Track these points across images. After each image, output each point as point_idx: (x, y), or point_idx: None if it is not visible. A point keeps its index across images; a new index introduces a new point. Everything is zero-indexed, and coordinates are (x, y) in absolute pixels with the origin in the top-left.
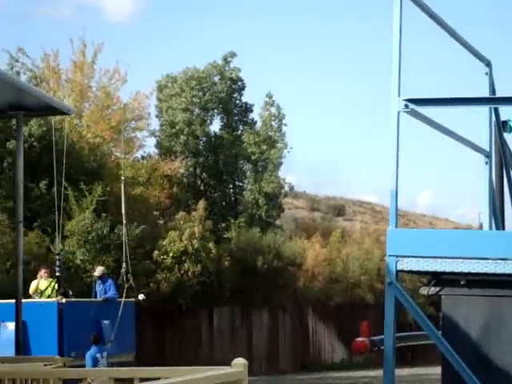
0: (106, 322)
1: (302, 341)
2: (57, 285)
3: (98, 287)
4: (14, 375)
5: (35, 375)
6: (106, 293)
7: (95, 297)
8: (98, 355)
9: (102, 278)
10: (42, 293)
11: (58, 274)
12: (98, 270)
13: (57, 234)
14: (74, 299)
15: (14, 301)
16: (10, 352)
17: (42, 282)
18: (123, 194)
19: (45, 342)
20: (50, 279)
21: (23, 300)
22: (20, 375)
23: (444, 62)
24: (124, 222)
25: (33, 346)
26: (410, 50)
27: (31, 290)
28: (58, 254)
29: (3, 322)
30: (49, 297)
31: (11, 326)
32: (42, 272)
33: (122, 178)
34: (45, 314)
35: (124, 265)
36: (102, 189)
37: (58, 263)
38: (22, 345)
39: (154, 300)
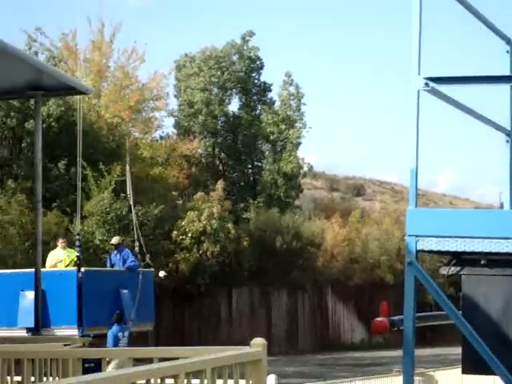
0: (125, 291)
1: (322, 321)
2: (77, 265)
3: (115, 257)
4: (33, 355)
5: (54, 355)
6: (124, 262)
7: (111, 267)
8: (120, 334)
9: (118, 247)
10: (60, 262)
11: (77, 254)
12: (115, 239)
13: (77, 215)
14: (93, 268)
15: (33, 270)
16: (29, 321)
17: (60, 252)
18: (128, 178)
19: (64, 311)
20: (69, 249)
21: (42, 269)
22: (39, 355)
23: (464, 40)
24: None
25: (52, 315)
26: (431, 28)
27: (49, 264)
28: (78, 235)
29: (22, 291)
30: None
31: (30, 295)
32: (60, 242)
33: (127, 160)
34: (64, 283)
35: (137, 243)
36: (121, 169)
37: (77, 243)
38: (41, 314)
39: (172, 280)
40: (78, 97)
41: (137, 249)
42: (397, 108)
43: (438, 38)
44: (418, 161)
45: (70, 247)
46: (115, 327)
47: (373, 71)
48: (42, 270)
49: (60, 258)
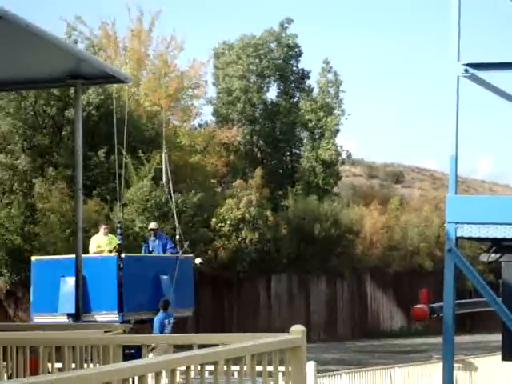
0: (164, 277)
1: (361, 308)
2: (118, 251)
3: (153, 243)
4: (74, 342)
5: (95, 342)
6: (164, 248)
7: (149, 253)
8: (166, 321)
9: (156, 232)
10: (102, 248)
11: (119, 242)
12: (153, 224)
13: (118, 202)
14: (133, 254)
15: (74, 256)
16: (70, 307)
17: (102, 238)
18: (165, 166)
19: (104, 296)
20: (111, 235)
21: (83, 255)
22: (80, 342)
23: (504, 26)
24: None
25: (92, 300)
26: (470, 15)
27: (92, 250)
28: (119, 222)
29: (63, 276)
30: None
31: (71, 280)
32: (103, 227)
33: (164, 150)
34: (105, 269)
35: (178, 231)
36: (160, 157)
37: (118, 231)
38: (82, 300)
39: (212, 267)
40: (118, 85)
41: (177, 237)
42: (436, 94)
43: (478, 24)
44: (458, 147)
45: (112, 234)
46: (161, 314)
47: (412, 57)
48: (83, 255)
49: (102, 244)
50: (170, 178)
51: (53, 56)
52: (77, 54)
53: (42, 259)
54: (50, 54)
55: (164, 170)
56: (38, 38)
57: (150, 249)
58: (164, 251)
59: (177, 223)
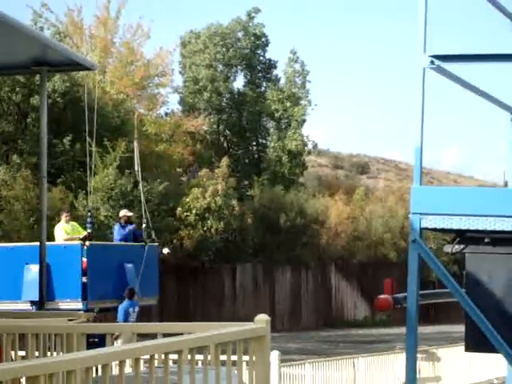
0: (129, 265)
1: (325, 298)
2: (83, 239)
3: (124, 231)
4: (37, 330)
5: (58, 330)
6: (134, 236)
7: (123, 240)
8: (130, 309)
9: (129, 221)
10: (68, 235)
11: (89, 231)
12: (123, 212)
13: (88, 191)
14: (98, 242)
15: (37, 243)
16: (34, 294)
17: (64, 226)
18: (136, 153)
19: (68, 284)
20: (72, 222)
21: (47, 243)
22: (43, 330)
23: (470, 18)
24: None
25: (56, 288)
26: (437, 6)
27: (63, 236)
28: (89, 211)
29: (27, 264)
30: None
31: (35, 268)
32: (64, 215)
33: (135, 135)
34: (69, 256)
35: (145, 221)
36: (126, 145)
37: (89, 220)
38: (46, 287)
39: (177, 256)
40: (84, 72)
41: (144, 225)
42: (402, 86)
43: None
44: (423, 138)
45: (74, 221)
46: (126, 302)
47: (378, 49)
48: (47, 243)
49: (69, 231)
50: (138, 167)
51: (18, 42)
52: (42, 40)
53: (5, 246)
54: (15, 41)
55: (136, 157)
56: (2, 24)
57: (123, 236)
58: (135, 238)
59: (144, 210)
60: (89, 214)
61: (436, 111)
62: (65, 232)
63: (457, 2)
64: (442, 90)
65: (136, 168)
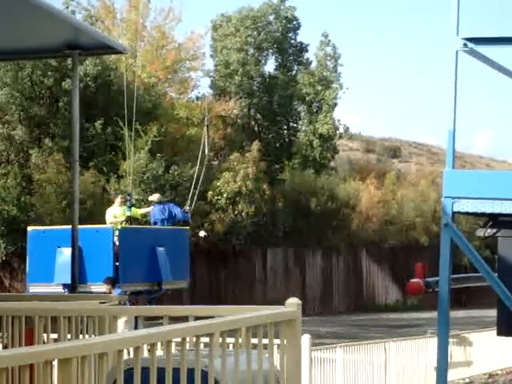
0: (161, 248)
1: (356, 282)
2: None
3: (160, 211)
4: (70, 313)
5: (90, 313)
6: (170, 213)
7: (154, 224)
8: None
9: (160, 203)
10: (117, 219)
11: (128, 214)
12: (156, 196)
13: (127, 172)
14: (129, 226)
15: (70, 227)
16: (66, 277)
17: (116, 209)
18: (205, 139)
19: (100, 267)
20: (124, 207)
21: (79, 226)
22: (75, 313)
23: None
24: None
25: (88, 271)
26: None
27: (110, 219)
28: (129, 195)
29: (59, 247)
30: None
31: (67, 251)
32: (119, 198)
33: (206, 121)
34: (101, 240)
35: (189, 202)
36: (157, 129)
37: (128, 204)
38: (78, 271)
39: (208, 240)
40: (115, 56)
41: (187, 207)
42: (435, 69)
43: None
44: (456, 122)
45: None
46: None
47: (411, 32)
48: (79, 226)
49: (118, 214)
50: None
51: (50, 26)
52: (74, 24)
53: (38, 229)
54: (47, 25)
55: (205, 143)
56: (35, 7)
57: (160, 216)
58: (170, 216)
59: (194, 195)
60: (128, 197)
61: (469, 95)
62: (113, 216)
63: None
64: (475, 73)
65: (206, 152)
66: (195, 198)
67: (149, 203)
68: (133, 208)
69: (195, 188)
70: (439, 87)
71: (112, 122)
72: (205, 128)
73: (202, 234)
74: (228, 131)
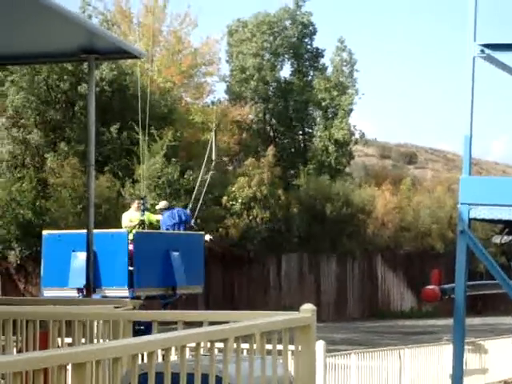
0: (175, 253)
1: (371, 288)
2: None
3: (169, 217)
4: (84, 317)
5: (105, 317)
6: (180, 218)
7: (171, 226)
8: None
9: (168, 209)
10: (133, 223)
11: (142, 219)
12: (163, 204)
13: (142, 176)
14: (144, 230)
15: (84, 231)
16: (80, 282)
17: (133, 214)
18: (213, 143)
19: (115, 272)
20: (141, 212)
21: (94, 230)
22: (90, 317)
23: None
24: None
25: (103, 276)
26: None
27: (124, 225)
28: (142, 199)
29: (74, 251)
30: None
31: (82, 255)
32: (136, 203)
33: (214, 126)
34: (115, 244)
35: (190, 205)
36: (172, 134)
37: (142, 208)
38: (92, 275)
39: (222, 245)
40: (131, 61)
41: (188, 211)
42: (452, 75)
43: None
44: (473, 129)
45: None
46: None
47: (428, 37)
48: (94, 231)
49: (134, 219)
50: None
51: (66, 30)
52: (90, 28)
53: (53, 233)
54: (63, 29)
55: (213, 147)
56: (51, 11)
57: (170, 222)
58: (181, 221)
59: (197, 199)
60: (141, 201)
61: (485, 101)
62: (129, 220)
63: None
64: (491, 79)
65: (214, 156)
66: (200, 202)
67: (157, 212)
68: (146, 212)
69: (199, 193)
70: (456, 93)
71: (128, 127)
72: (212, 133)
73: (207, 237)
74: (243, 136)
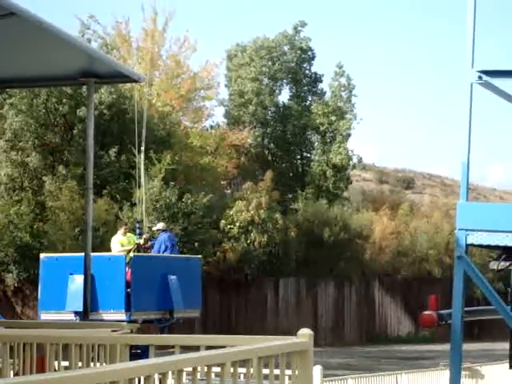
0: (173, 277)
1: (368, 313)
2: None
3: (169, 239)
4: (81, 340)
5: (102, 341)
6: (173, 246)
7: (168, 248)
8: None
9: (165, 231)
10: (123, 247)
11: (138, 242)
12: (161, 225)
13: (138, 200)
14: (141, 254)
15: (82, 254)
16: (78, 305)
17: (121, 238)
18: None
19: (112, 295)
20: (129, 234)
21: (92, 253)
22: (87, 340)
23: None
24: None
25: (100, 299)
26: (485, 22)
27: (118, 248)
28: (138, 222)
29: (72, 274)
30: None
31: (79, 278)
32: (123, 228)
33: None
34: (113, 267)
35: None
36: (171, 157)
37: (138, 231)
38: (89, 298)
39: (220, 269)
40: (130, 85)
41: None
42: (449, 100)
43: (493, 31)
44: (470, 154)
45: (130, 233)
46: None
47: (426, 63)
48: (92, 254)
49: (124, 243)
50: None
51: (66, 54)
52: (90, 52)
53: (50, 256)
54: (63, 52)
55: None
56: (51, 35)
57: (167, 244)
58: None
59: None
60: (137, 224)
61: (483, 126)
62: (120, 245)
63: (507, 16)
64: (488, 105)
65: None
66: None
67: (154, 232)
68: (143, 236)
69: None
70: (454, 119)
71: (126, 150)
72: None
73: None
74: (241, 160)
